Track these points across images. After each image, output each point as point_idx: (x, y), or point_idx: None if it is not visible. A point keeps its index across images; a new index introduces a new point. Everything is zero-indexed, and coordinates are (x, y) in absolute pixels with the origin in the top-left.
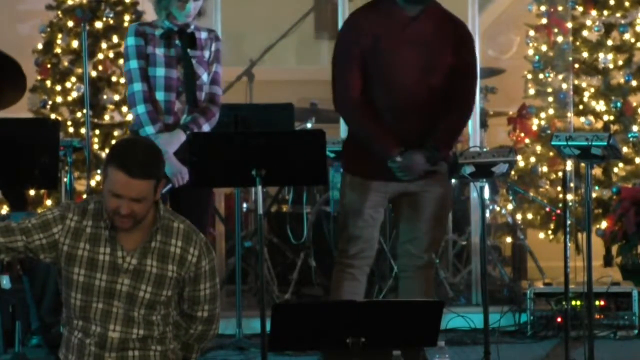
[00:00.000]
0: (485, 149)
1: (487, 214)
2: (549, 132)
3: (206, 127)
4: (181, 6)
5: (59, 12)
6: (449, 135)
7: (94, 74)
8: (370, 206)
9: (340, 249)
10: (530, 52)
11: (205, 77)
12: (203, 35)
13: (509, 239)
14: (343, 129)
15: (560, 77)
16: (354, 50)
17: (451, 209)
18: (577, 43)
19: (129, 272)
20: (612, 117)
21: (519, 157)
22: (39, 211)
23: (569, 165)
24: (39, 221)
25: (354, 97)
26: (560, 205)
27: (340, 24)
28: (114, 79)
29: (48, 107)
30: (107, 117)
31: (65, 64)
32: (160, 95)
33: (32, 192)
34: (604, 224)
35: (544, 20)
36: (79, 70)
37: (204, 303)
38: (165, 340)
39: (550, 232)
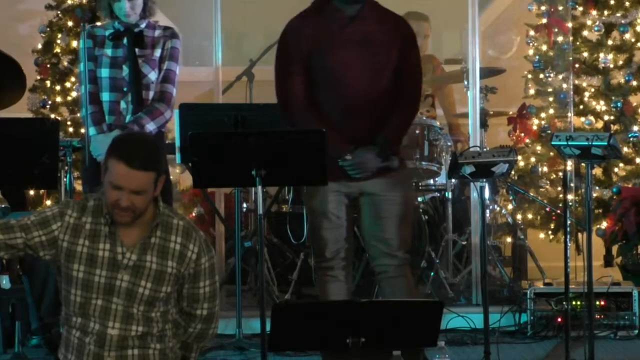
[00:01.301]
0: (485, 149)
1: (487, 214)
2: (549, 132)
3: (151, 126)
4: (115, 6)
5: (59, 12)
6: (398, 131)
7: None
8: (332, 207)
9: (318, 254)
10: (530, 52)
11: (152, 75)
12: (156, 33)
13: (509, 239)
14: None
15: (560, 77)
16: (294, 54)
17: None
18: (577, 43)
19: (129, 268)
20: (612, 117)
21: (519, 157)
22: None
23: (569, 165)
24: (38, 218)
25: (298, 101)
26: (560, 205)
27: None
28: None
29: (48, 107)
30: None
31: (65, 63)
32: (105, 96)
33: (32, 192)
34: (604, 224)
35: (544, 20)
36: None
37: (204, 301)
38: (164, 339)
39: (550, 232)
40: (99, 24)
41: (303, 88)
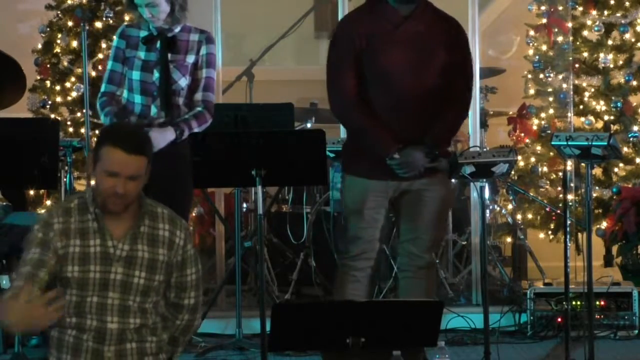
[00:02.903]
0: (485, 149)
1: (487, 214)
2: (549, 132)
3: (197, 129)
4: (140, 10)
5: (59, 12)
6: (447, 132)
7: (93, 73)
8: (370, 207)
9: (345, 250)
10: (530, 52)
11: (182, 82)
12: (192, 37)
13: (509, 239)
14: (343, 129)
15: (560, 77)
16: (347, 52)
17: (451, 207)
18: (577, 43)
19: (122, 260)
20: (612, 117)
21: (519, 157)
22: (38, 211)
23: (569, 165)
24: (37, 247)
25: (349, 99)
26: (560, 205)
27: None
28: None
29: (48, 107)
30: None
31: (65, 63)
32: (137, 99)
33: (32, 192)
34: (604, 224)
35: (544, 20)
36: (79, 70)
37: (190, 289)
38: (156, 331)
39: (550, 232)
40: (132, 23)
41: (354, 85)
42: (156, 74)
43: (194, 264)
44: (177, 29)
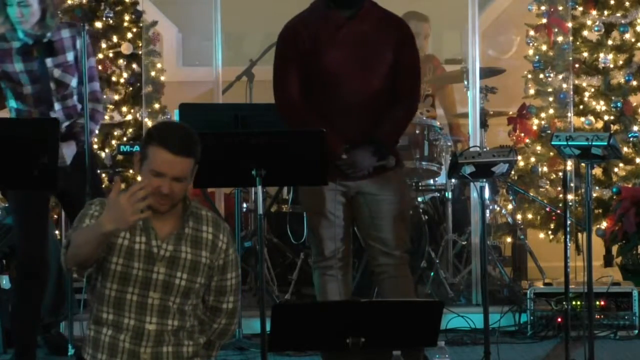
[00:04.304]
0: (485, 149)
1: (487, 214)
2: (549, 132)
3: (97, 130)
4: (9, 10)
5: (59, 12)
6: (394, 130)
7: None
8: (330, 205)
9: (316, 253)
10: (530, 52)
11: (74, 82)
12: (64, 34)
13: (509, 239)
14: None
15: (560, 77)
16: (291, 54)
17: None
18: (577, 43)
19: (165, 260)
20: (612, 117)
21: (519, 157)
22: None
23: (569, 165)
24: (93, 219)
25: (294, 101)
26: (560, 205)
27: None
28: (113, 78)
29: None
30: (106, 117)
31: None
32: (36, 113)
33: None
34: (604, 224)
35: (544, 20)
36: None
37: (230, 294)
38: (193, 335)
39: (550, 232)
40: None
41: (299, 88)
42: (47, 83)
43: (234, 268)
44: (50, 34)
